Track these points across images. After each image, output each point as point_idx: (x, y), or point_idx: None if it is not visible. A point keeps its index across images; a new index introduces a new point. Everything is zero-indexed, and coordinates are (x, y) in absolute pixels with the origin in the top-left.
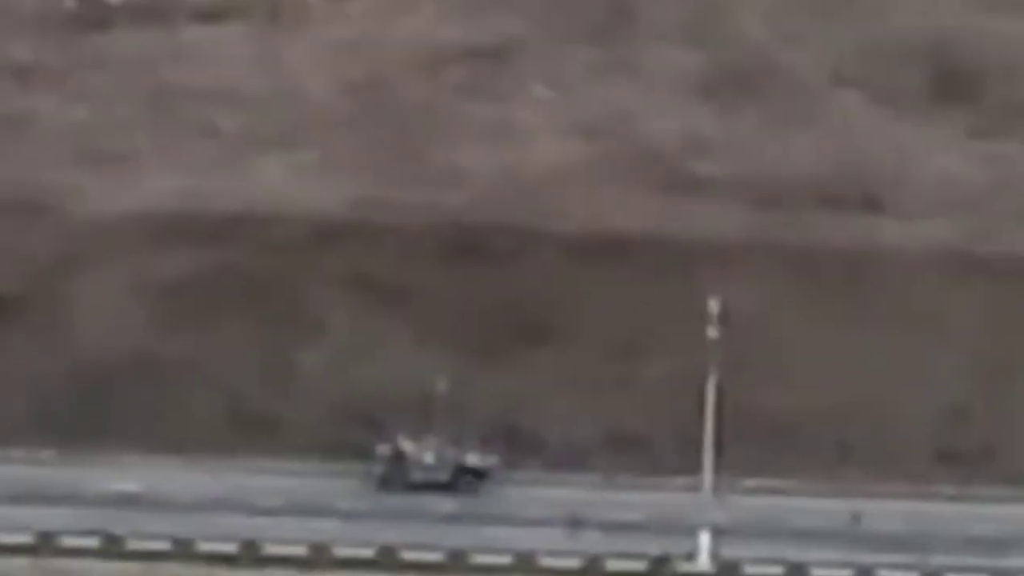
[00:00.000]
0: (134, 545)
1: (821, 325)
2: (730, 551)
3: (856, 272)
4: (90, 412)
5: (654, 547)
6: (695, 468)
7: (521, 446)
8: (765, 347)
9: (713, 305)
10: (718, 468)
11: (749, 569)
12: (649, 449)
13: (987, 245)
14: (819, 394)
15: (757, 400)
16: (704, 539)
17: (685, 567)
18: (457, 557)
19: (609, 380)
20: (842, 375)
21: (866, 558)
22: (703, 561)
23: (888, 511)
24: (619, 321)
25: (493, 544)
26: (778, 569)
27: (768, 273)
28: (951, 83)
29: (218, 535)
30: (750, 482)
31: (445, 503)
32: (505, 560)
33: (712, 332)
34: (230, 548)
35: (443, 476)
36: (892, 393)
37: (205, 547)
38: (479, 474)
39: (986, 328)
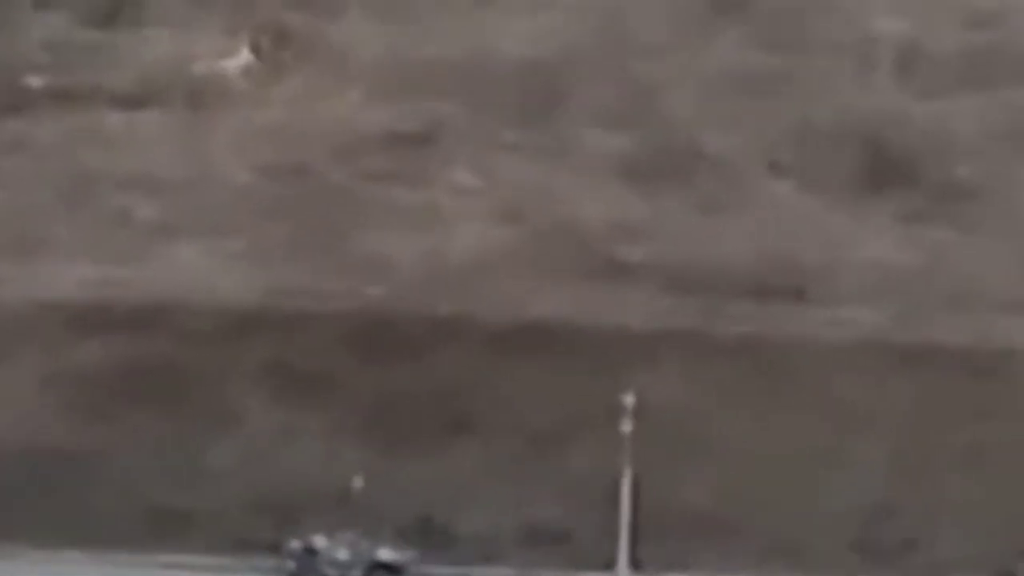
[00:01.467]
0: None
1: (744, 417)
2: None
3: (781, 362)
4: None
5: None
6: (613, 563)
7: (437, 540)
8: (686, 440)
9: (628, 399)
10: (635, 564)
11: None
12: (567, 543)
13: (915, 333)
14: (740, 488)
15: (677, 494)
16: None
17: None
18: None
19: (528, 473)
20: (764, 468)
21: None
22: None
23: None
24: (539, 412)
25: None
26: None
27: (692, 363)
28: (884, 168)
29: None
30: None
31: None
32: None
33: (626, 426)
34: None
35: (356, 572)
36: (814, 486)
37: None
38: (394, 570)
39: (911, 419)
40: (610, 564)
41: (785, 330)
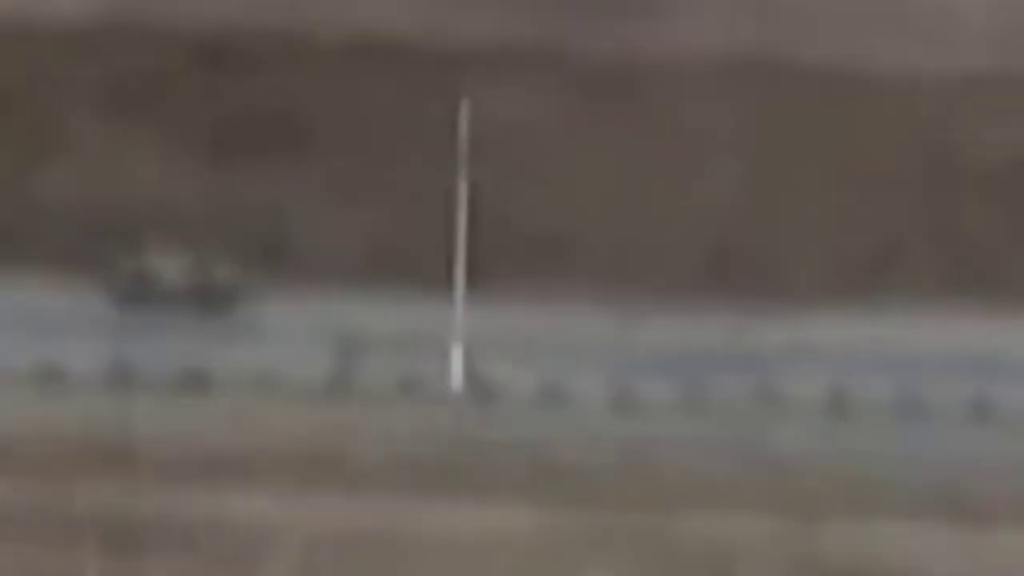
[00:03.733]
0: None
1: (591, 138)
2: (484, 368)
3: (631, 83)
4: None
5: (405, 365)
6: (451, 282)
7: (275, 260)
8: (530, 161)
9: (464, 113)
10: (476, 282)
11: (502, 387)
12: (406, 263)
13: (775, 54)
14: (585, 209)
15: (520, 214)
16: (456, 356)
17: (436, 385)
18: (199, 377)
19: (368, 192)
20: (610, 190)
21: (630, 378)
22: (455, 379)
23: (655, 329)
24: (381, 129)
25: (238, 363)
26: (534, 387)
27: (537, 80)
28: None
29: None
30: (508, 296)
31: (191, 320)
32: (249, 379)
33: (463, 143)
34: None
35: (190, 292)
36: (665, 208)
37: None
38: (229, 289)
39: (766, 141)
40: (448, 283)
41: (638, 50)
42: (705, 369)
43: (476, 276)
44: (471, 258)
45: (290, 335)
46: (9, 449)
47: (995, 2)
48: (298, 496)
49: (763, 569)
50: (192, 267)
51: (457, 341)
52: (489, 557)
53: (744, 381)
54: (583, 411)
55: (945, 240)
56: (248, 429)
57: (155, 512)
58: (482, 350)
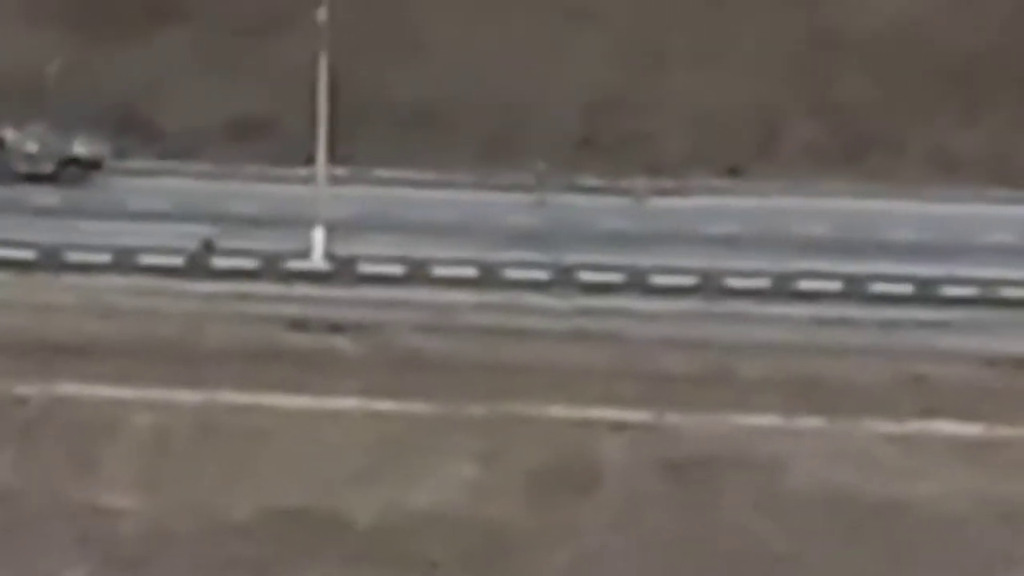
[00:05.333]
0: None
1: (458, 6)
2: (346, 248)
3: None
4: None
5: (266, 243)
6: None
7: (136, 134)
8: (395, 33)
9: None
10: (340, 159)
11: (366, 267)
12: (271, 137)
13: None
14: (455, 82)
15: (386, 88)
16: (318, 235)
17: (298, 264)
18: (52, 254)
19: (232, 64)
20: (480, 62)
21: (491, 254)
22: (316, 258)
23: (521, 205)
24: (244, 2)
25: (94, 240)
26: (397, 267)
27: None
28: None
29: None
30: (373, 174)
31: (48, 196)
32: (104, 258)
33: (322, 14)
34: None
35: (47, 166)
36: (536, 80)
37: None
38: (88, 164)
39: (639, 10)
40: (312, 159)
41: None
42: (572, 249)
43: (341, 151)
44: (335, 134)
45: (150, 212)
46: None
47: None
48: (143, 383)
49: (624, 458)
50: (51, 139)
51: (319, 221)
52: (338, 446)
53: (615, 262)
54: (446, 293)
55: (823, 113)
56: (98, 311)
57: None
58: (345, 230)
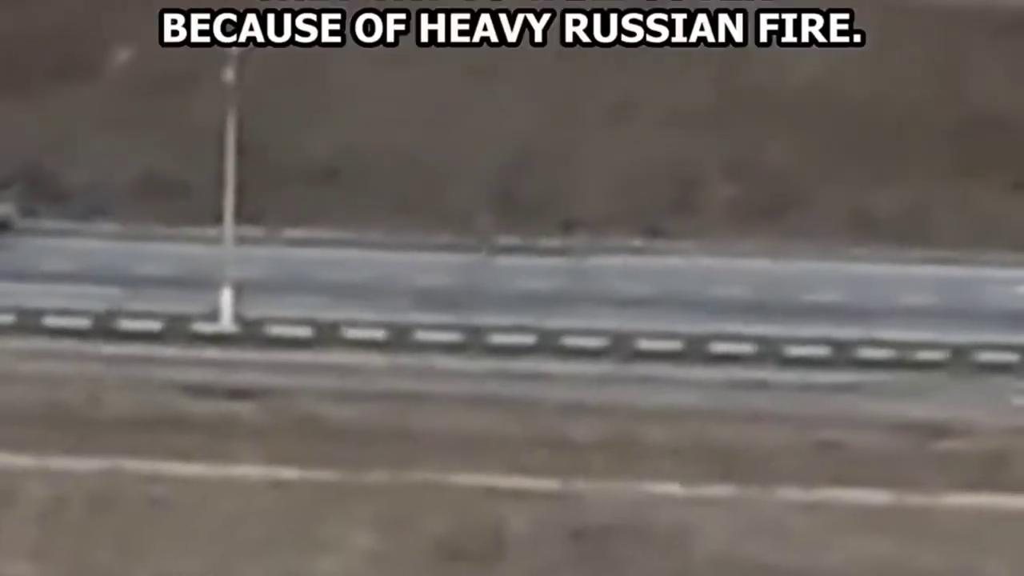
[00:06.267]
0: None
1: (373, 64)
2: (255, 310)
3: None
4: None
5: (173, 305)
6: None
7: (44, 192)
8: (306, 88)
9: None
10: (249, 219)
11: (274, 329)
12: (179, 197)
13: None
14: (367, 138)
15: (297, 145)
16: (226, 297)
17: (205, 327)
18: None
19: (140, 122)
20: (393, 118)
21: (402, 316)
22: (224, 321)
23: (435, 265)
24: (155, 58)
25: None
26: (306, 330)
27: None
28: None
29: None
30: (282, 234)
31: None
32: (9, 319)
33: (228, 74)
34: None
35: None
36: (450, 137)
37: None
38: None
39: (557, 70)
40: (221, 218)
41: None
42: (482, 310)
43: (249, 211)
44: (243, 193)
45: (56, 273)
46: None
47: None
48: (42, 450)
49: (529, 527)
50: None
51: (227, 282)
52: (238, 515)
53: (528, 323)
54: (355, 355)
55: (742, 172)
56: None
57: None
58: (253, 290)
